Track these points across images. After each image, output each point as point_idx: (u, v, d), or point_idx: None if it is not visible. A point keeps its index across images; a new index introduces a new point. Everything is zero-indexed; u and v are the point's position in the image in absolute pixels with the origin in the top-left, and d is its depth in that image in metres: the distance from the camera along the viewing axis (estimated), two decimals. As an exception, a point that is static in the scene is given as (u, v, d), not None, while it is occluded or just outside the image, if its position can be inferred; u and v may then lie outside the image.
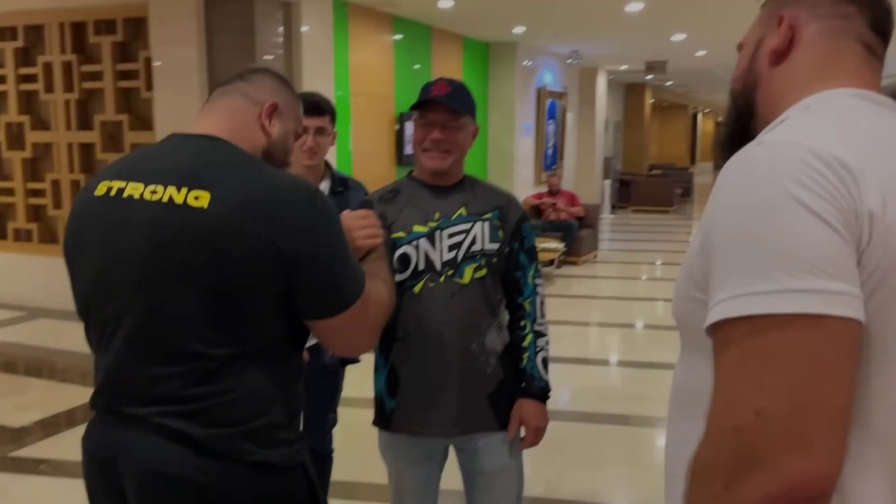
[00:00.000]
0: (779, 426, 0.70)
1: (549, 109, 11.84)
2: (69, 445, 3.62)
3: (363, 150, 7.61)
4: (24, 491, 3.23)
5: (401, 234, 1.82)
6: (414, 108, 1.84)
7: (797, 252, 0.72)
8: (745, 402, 0.72)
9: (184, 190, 1.17)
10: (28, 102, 6.35)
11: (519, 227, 1.91)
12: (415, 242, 1.82)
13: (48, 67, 6.10)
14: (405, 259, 1.80)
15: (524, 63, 10.85)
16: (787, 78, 0.93)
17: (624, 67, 14.17)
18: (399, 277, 1.79)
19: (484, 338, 1.85)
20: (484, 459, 1.90)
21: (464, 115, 1.83)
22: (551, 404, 1.93)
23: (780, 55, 0.93)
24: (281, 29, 5.39)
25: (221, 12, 5.24)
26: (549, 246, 7.50)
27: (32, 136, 6.30)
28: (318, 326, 1.29)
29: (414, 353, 1.81)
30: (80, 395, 4.32)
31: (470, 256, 1.83)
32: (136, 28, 5.77)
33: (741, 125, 0.98)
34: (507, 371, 1.89)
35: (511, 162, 10.45)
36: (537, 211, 8.67)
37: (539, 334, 1.92)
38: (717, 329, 0.76)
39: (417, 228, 1.83)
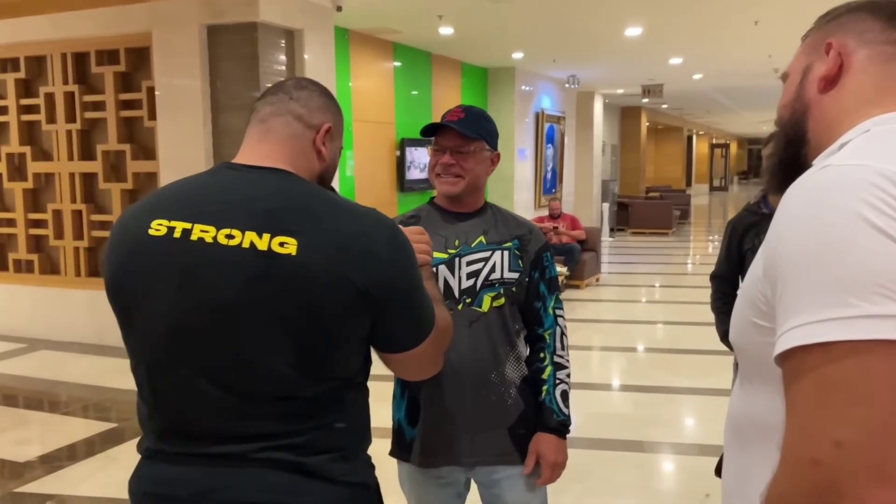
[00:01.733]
0: (860, 458, 0.67)
1: (548, 133, 11.90)
2: (74, 480, 3.55)
3: (364, 177, 7.62)
4: (30, 528, 3.16)
5: None
6: (425, 133, 1.83)
7: (872, 276, 0.69)
8: (823, 433, 0.69)
9: (266, 236, 1.12)
10: (30, 133, 6.35)
11: (540, 257, 1.88)
12: (435, 269, 1.80)
13: (50, 98, 6.11)
14: None
15: (522, 88, 10.93)
16: (839, 104, 0.92)
17: (620, 91, 14.28)
18: None
19: (503, 368, 1.82)
20: (505, 493, 1.86)
21: (475, 141, 1.81)
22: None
23: (830, 82, 0.93)
24: (283, 57, 5.41)
25: (224, 41, 5.27)
26: (553, 270, 7.49)
27: (34, 167, 6.29)
28: (394, 358, 1.29)
29: (433, 381, 1.77)
30: (82, 428, 4.26)
31: (488, 285, 1.80)
32: (139, 58, 5.79)
33: (792, 152, 0.97)
34: (528, 404, 1.86)
35: (511, 185, 10.49)
36: (539, 235, 8.67)
37: (559, 366, 1.88)
38: (788, 357, 0.73)
39: (437, 255, 1.81)
